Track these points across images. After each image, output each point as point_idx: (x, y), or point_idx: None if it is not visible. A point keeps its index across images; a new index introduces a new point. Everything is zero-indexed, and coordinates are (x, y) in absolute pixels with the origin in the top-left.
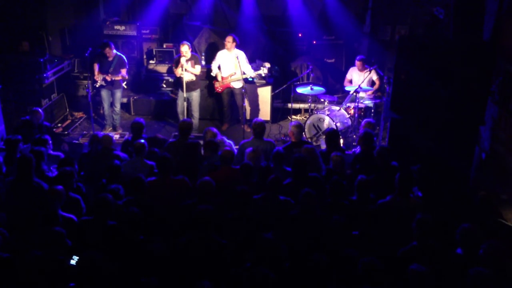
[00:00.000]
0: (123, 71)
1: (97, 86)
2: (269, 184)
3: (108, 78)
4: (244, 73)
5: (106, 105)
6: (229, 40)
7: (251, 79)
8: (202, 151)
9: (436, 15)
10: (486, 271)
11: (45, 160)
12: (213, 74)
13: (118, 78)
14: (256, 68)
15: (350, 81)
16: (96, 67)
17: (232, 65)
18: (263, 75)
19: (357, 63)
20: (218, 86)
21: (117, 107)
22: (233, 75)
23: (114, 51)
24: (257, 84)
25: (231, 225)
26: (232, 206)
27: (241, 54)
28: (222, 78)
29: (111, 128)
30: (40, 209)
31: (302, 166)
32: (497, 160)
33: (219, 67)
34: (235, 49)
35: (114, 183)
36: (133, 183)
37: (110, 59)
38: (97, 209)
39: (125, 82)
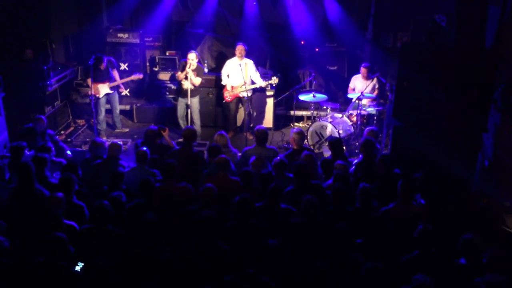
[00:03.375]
0: (115, 73)
1: (100, 96)
2: (269, 192)
3: (108, 87)
4: (253, 83)
5: (104, 109)
6: (240, 48)
7: (260, 87)
8: (206, 156)
9: (438, 23)
10: (501, 278)
11: (48, 167)
12: (223, 83)
13: (119, 83)
14: (265, 78)
15: (353, 90)
16: (89, 81)
17: (242, 74)
18: (274, 85)
19: (362, 70)
20: (228, 96)
21: (117, 109)
22: (243, 85)
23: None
24: (266, 92)
25: (232, 232)
26: (233, 213)
27: (250, 63)
28: (232, 87)
29: (105, 137)
30: (42, 216)
31: (303, 173)
32: (500, 167)
33: (228, 76)
34: (244, 58)
35: (116, 190)
36: (143, 186)
37: (102, 68)
38: (95, 216)
39: (128, 90)
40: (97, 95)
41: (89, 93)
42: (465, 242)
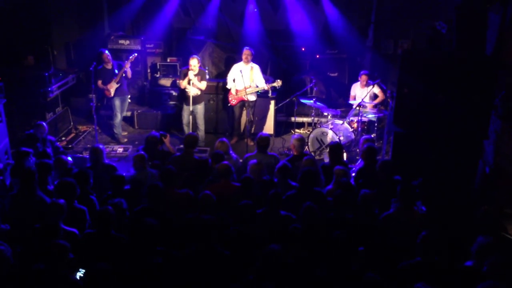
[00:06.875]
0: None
1: (112, 95)
2: (269, 199)
3: (115, 83)
4: (257, 86)
5: (119, 114)
6: (246, 53)
7: (263, 91)
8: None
9: (438, 30)
10: (500, 285)
11: (52, 173)
12: (228, 87)
13: (123, 70)
14: (269, 81)
15: (354, 98)
16: (100, 83)
17: (247, 78)
18: (278, 87)
19: (363, 77)
20: (232, 99)
21: (123, 112)
22: (248, 88)
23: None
24: (267, 99)
25: (233, 238)
26: (234, 220)
27: (256, 67)
28: (237, 91)
29: (126, 140)
30: (41, 223)
31: (309, 180)
32: (501, 174)
33: (234, 80)
34: (251, 62)
35: (119, 194)
36: (150, 190)
37: (110, 66)
38: (100, 221)
39: (129, 96)
40: (109, 96)
41: (107, 94)
42: (480, 245)
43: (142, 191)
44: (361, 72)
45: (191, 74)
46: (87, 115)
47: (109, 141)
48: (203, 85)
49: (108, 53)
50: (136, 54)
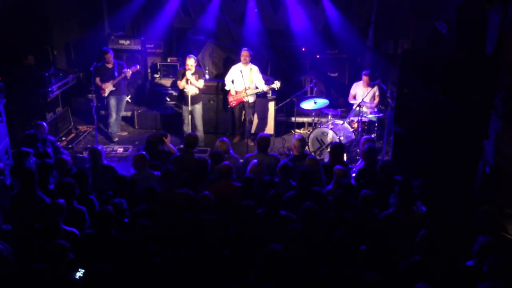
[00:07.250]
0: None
1: (105, 95)
2: (269, 199)
3: (111, 85)
4: (257, 87)
5: (114, 113)
6: (244, 54)
7: (262, 92)
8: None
9: (439, 30)
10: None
11: (54, 173)
12: (227, 88)
13: (122, 76)
14: (268, 83)
15: (354, 97)
16: (97, 80)
17: (247, 79)
18: (276, 89)
19: (364, 78)
20: (232, 100)
21: (121, 114)
22: (247, 89)
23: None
24: (267, 99)
25: (232, 239)
26: (234, 220)
27: (255, 68)
28: (236, 92)
29: (117, 139)
30: (41, 223)
31: (307, 179)
32: (501, 174)
33: (232, 81)
34: (249, 63)
35: (120, 194)
36: (146, 192)
37: (110, 66)
38: (100, 221)
39: (129, 96)
40: (103, 94)
41: (102, 93)
42: (480, 245)
43: (139, 191)
44: (364, 72)
45: (188, 74)
46: (87, 115)
47: (109, 141)
48: (201, 83)
49: (112, 54)
50: (138, 67)
